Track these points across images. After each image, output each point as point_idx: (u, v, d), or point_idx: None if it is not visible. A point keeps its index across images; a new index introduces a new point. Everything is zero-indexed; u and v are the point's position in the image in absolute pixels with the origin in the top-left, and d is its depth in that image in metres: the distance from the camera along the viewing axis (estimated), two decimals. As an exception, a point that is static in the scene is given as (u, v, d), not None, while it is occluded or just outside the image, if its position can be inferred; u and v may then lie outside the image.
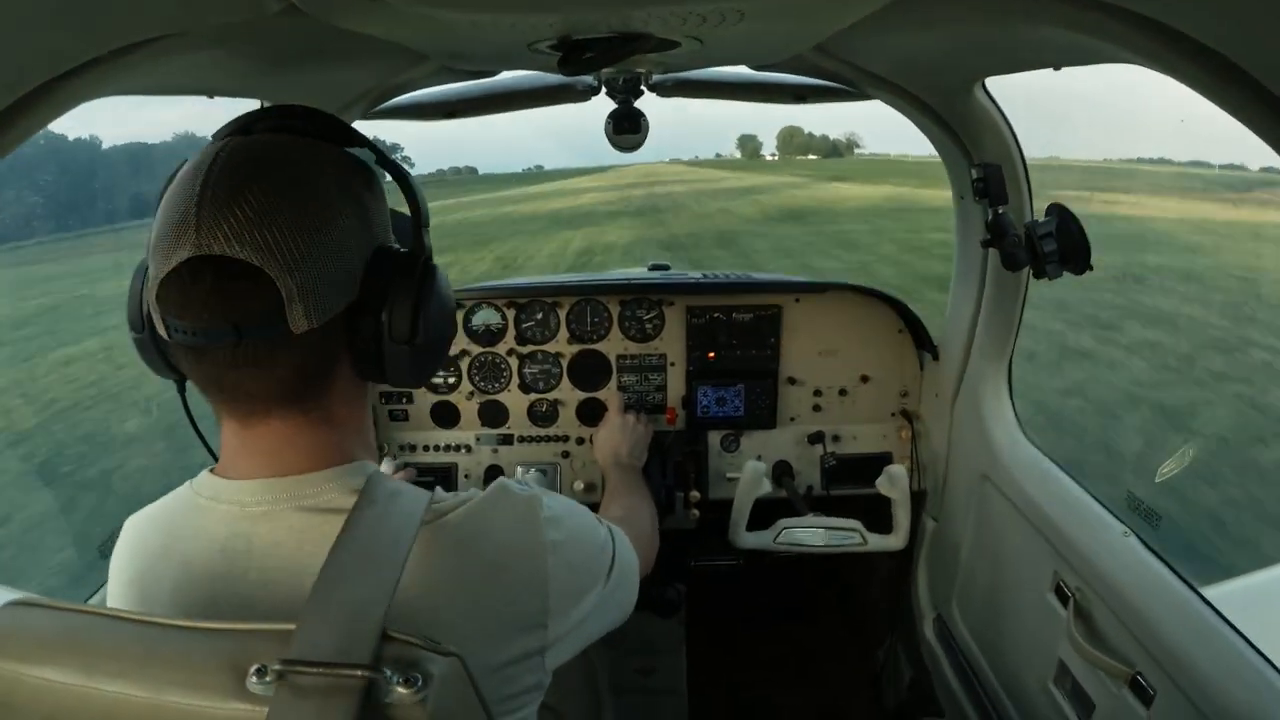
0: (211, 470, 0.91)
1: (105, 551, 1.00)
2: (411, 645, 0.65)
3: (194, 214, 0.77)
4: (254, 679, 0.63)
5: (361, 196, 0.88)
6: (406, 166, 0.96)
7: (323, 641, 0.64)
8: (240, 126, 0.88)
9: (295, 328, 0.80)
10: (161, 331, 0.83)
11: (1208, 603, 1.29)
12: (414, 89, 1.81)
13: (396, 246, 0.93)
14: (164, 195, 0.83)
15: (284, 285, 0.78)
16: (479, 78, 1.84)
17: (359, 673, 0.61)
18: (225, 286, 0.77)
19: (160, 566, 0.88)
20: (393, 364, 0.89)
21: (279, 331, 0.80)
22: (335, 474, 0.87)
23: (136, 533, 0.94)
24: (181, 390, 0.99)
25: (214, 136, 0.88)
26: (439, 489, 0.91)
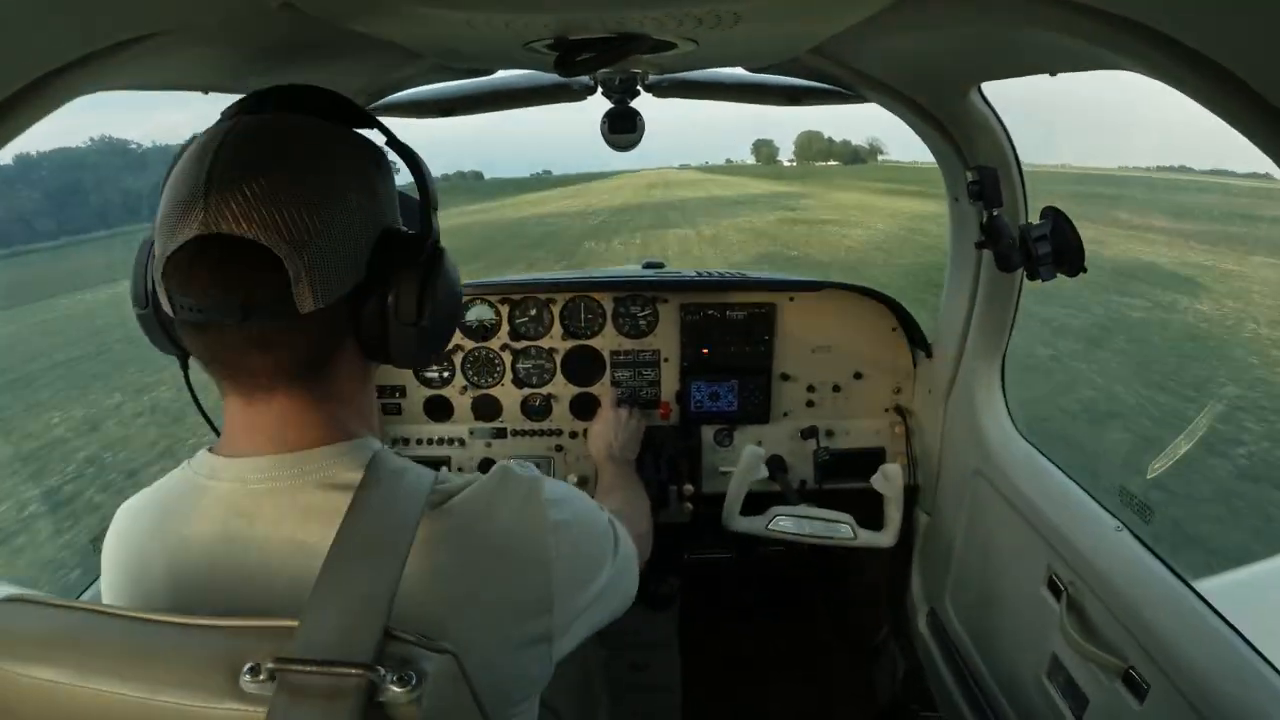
0: (210, 449, 0.90)
1: (99, 546, 0.99)
2: (406, 643, 0.65)
3: (202, 191, 0.77)
4: (247, 677, 0.62)
5: (370, 176, 0.88)
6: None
7: (325, 639, 0.64)
8: (250, 105, 0.87)
9: (302, 308, 0.80)
10: (167, 308, 0.83)
11: (1200, 596, 1.30)
12: (410, 86, 1.81)
13: (403, 228, 0.93)
14: (171, 171, 0.82)
15: (291, 265, 0.78)
16: (476, 76, 1.83)
17: (354, 671, 0.61)
18: (232, 265, 0.77)
19: (153, 546, 0.87)
20: (398, 345, 0.89)
21: (286, 311, 0.79)
22: (340, 450, 0.87)
23: (128, 517, 0.93)
24: (184, 366, 0.99)
25: (222, 114, 0.87)
26: (444, 469, 0.90)
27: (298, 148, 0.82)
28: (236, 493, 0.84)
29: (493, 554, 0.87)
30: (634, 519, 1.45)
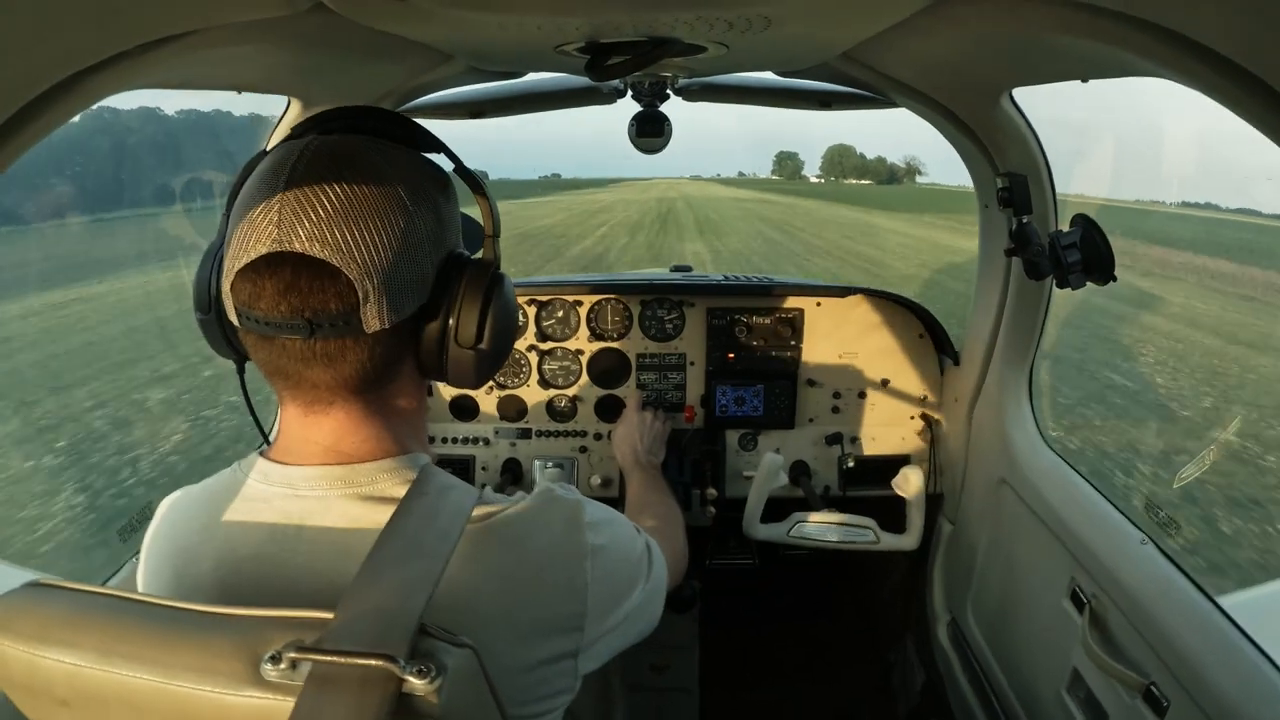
0: (262, 453, 0.92)
1: (125, 535, 1.00)
2: (428, 636, 0.66)
3: (276, 209, 0.78)
4: (268, 665, 0.63)
5: (436, 201, 0.90)
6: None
7: (359, 632, 0.64)
8: (320, 125, 0.89)
9: (368, 327, 0.82)
10: (232, 318, 0.85)
11: (1225, 614, 1.28)
12: (441, 89, 1.83)
13: (465, 252, 0.95)
14: (242, 187, 0.84)
15: (361, 286, 0.80)
16: (506, 78, 1.85)
17: (374, 662, 0.61)
18: (303, 282, 0.79)
19: (201, 546, 0.89)
20: (455, 367, 0.92)
21: (352, 328, 0.81)
22: (390, 464, 0.89)
23: (175, 512, 0.95)
24: (240, 370, 1.01)
25: (291, 131, 0.90)
26: (488, 489, 0.92)
27: (369, 170, 0.83)
28: (287, 499, 0.87)
29: (531, 574, 0.88)
30: (672, 537, 1.46)
